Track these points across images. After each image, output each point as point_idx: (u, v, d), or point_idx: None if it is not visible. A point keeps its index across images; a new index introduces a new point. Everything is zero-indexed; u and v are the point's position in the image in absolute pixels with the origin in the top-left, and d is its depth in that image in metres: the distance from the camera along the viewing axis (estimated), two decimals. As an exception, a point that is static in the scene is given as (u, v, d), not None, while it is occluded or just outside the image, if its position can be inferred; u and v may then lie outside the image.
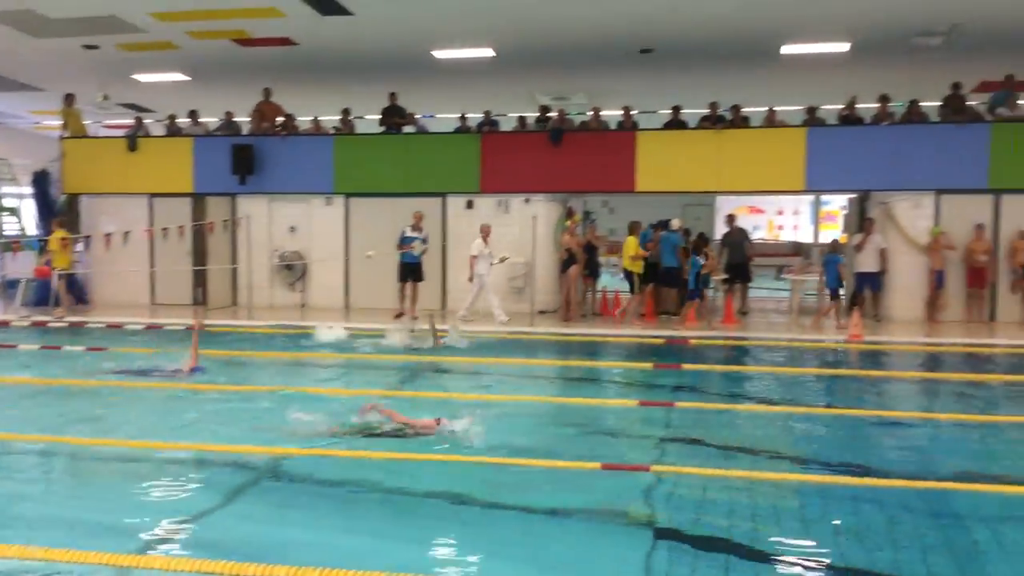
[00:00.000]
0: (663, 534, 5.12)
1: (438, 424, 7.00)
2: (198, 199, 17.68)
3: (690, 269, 14.12)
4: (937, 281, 14.72)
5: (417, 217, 15.18)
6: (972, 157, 14.79)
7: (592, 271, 16.11)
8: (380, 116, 17.53)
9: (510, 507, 5.60)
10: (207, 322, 14.15)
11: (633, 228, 15.00)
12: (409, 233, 15.05)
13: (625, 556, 4.80)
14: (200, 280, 17.58)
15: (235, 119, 18.59)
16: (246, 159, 16.97)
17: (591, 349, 12.55)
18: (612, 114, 17.76)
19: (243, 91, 18.59)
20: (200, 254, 17.49)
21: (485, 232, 14.87)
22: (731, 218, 16.68)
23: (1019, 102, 15.30)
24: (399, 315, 14.95)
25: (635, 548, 4.89)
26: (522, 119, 18.38)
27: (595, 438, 7.36)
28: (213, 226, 17.12)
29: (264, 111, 17.46)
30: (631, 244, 14.77)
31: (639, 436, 7.42)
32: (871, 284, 14.82)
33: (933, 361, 11.56)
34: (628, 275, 14.94)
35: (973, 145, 14.82)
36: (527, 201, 16.33)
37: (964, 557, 4.81)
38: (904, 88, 16.45)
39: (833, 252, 14.44)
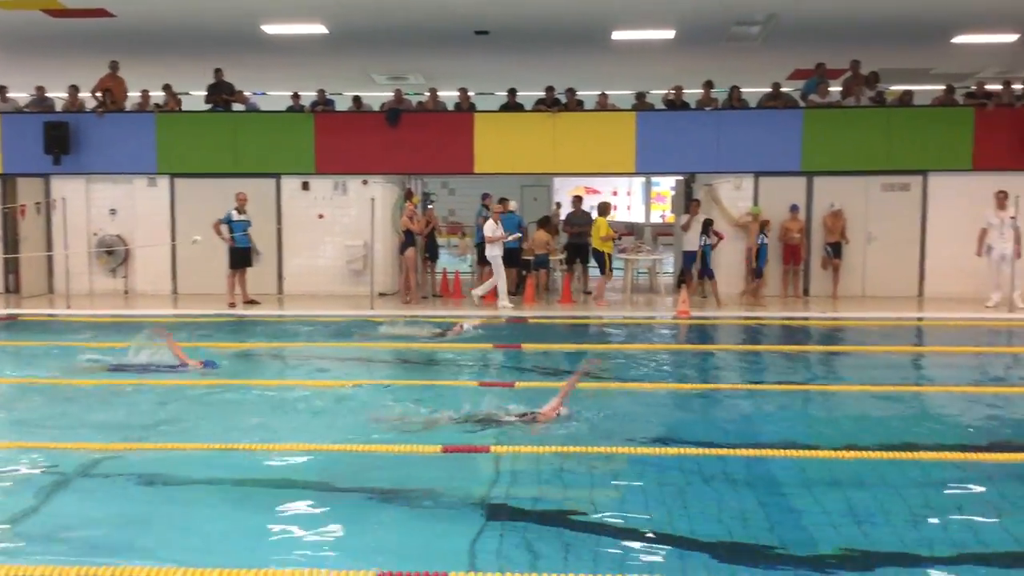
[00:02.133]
0: (500, 513, 5.18)
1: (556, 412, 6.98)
2: (7, 180, 16.38)
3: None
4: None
5: (241, 199, 14.53)
6: (787, 141, 15.71)
7: (431, 253, 16.08)
8: (205, 93, 16.78)
9: (346, 491, 5.55)
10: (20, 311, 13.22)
11: (603, 209, 15.27)
12: (236, 217, 14.40)
13: (459, 536, 4.81)
14: (12, 267, 16.35)
15: (48, 95, 17.32)
16: (60, 137, 15.84)
17: (432, 331, 12.50)
18: (450, 95, 17.74)
19: (57, 65, 17.33)
20: (11, 240, 16.24)
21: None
22: (577, 199, 16.99)
23: (829, 89, 16.34)
24: (232, 305, 14.37)
25: (470, 528, 4.93)
26: (357, 99, 18.05)
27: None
28: (25, 209, 15.92)
29: (111, 87, 16.35)
30: (602, 225, 14.92)
31: (480, 418, 7.46)
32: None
33: (754, 334, 12.25)
34: (598, 255, 15.12)
35: (788, 130, 15.75)
36: (365, 183, 16.09)
37: (789, 520, 5.14)
38: (726, 75, 17.23)
39: (761, 232, 15.07)
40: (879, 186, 15.67)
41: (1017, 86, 16.64)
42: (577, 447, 6.30)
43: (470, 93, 17.34)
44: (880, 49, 16.58)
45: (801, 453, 6.27)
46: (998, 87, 16.49)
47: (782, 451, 6.27)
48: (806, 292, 15.88)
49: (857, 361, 10.47)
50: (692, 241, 15.45)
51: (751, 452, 6.23)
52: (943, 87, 17.05)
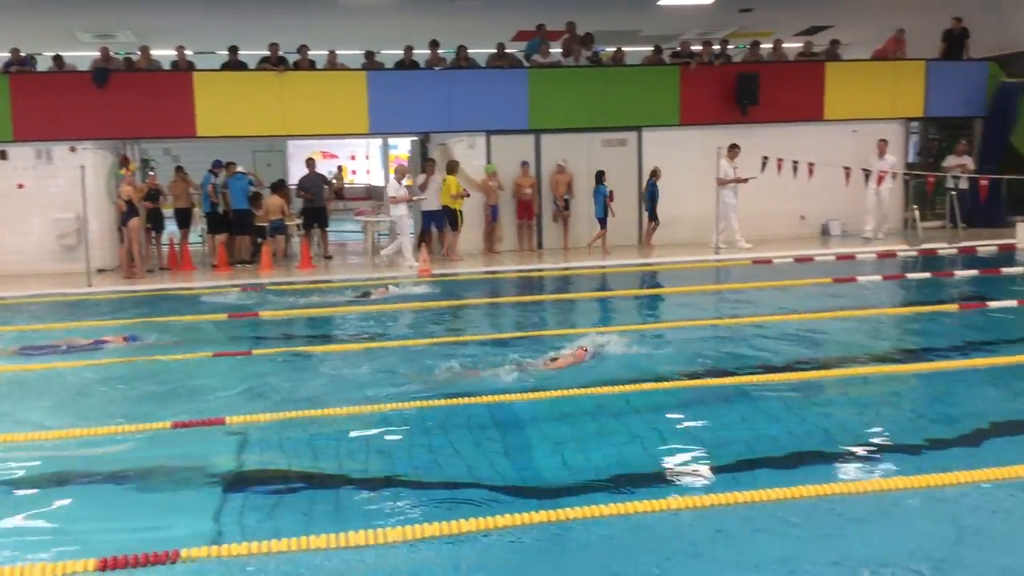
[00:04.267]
0: (241, 484, 5.01)
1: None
2: None
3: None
4: (492, 215, 16.03)
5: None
6: (515, 101, 16.19)
7: (155, 223, 15.08)
8: None
9: (73, 477, 5.16)
10: None
11: (452, 168, 15.22)
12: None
13: (199, 511, 4.60)
14: None
15: None
16: None
17: (158, 305, 11.73)
18: (166, 54, 16.58)
19: None
20: None
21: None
22: (310, 162, 16.53)
23: (550, 50, 16.98)
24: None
25: (209, 502, 4.72)
26: (58, 58, 16.40)
27: (167, 397, 6.93)
28: None
29: None
30: (452, 183, 14.72)
31: (215, 389, 7.13)
32: (436, 221, 15.71)
33: (494, 287, 12.62)
34: (450, 213, 15.05)
35: (515, 90, 16.23)
36: (73, 150, 14.72)
37: (524, 458, 5.36)
38: (453, 35, 17.40)
39: (600, 184, 15.43)
40: (600, 142, 16.58)
41: (716, 46, 18.14)
42: (314, 410, 6.20)
43: (188, 52, 16.32)
44: (594, 11, 17.42)
45: (538, 395, 6.53)
46: (700, 47, 17.90)
47: (520, 395, 6.52)
48: (540, 245, 16.56)
49: (590, 306, 11.10)
50: (430, 201, 15.59)
51: (493, 398, 6.42)
52: (652, 48, 18.25)
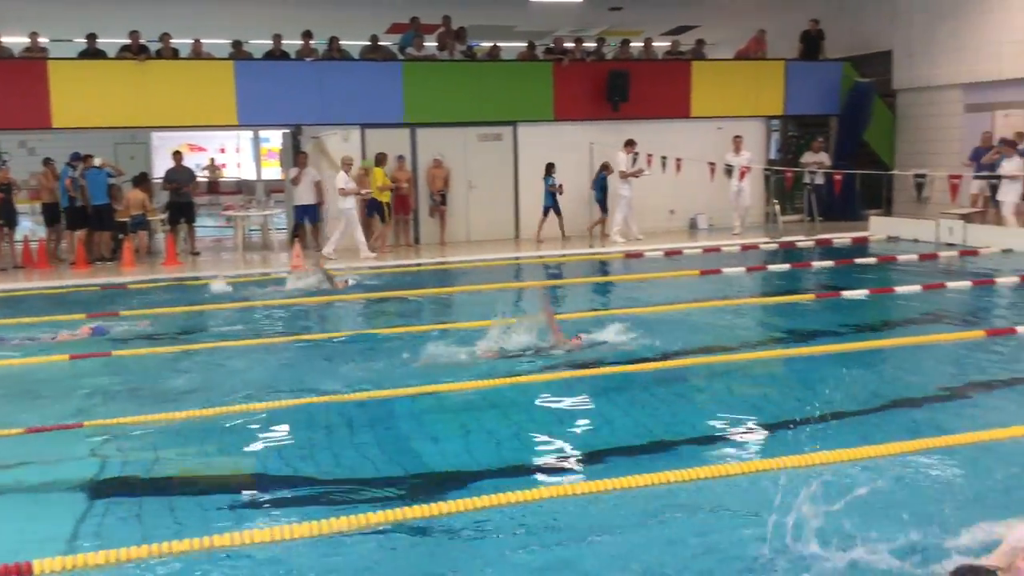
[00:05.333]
0: (102, 490, 4.80)
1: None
2: None
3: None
4: (368, 210, 15.80)
5: None
6: (389, 93, 16.04)
7: (8, 218, 14.23)
8: None
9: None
10: None
11: (380, 159, 15.14)
12: None
13: (55, 520, 4.39)
14: None
15: None
16: None
17: (9, 305, 11.09)
18: (17, 41, 15.65)
19: None
20: None
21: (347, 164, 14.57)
22: (177, 155, 15.92)
23: (424, 43, 16.91)
24: None
25: (66, 511, 4.50)
26: None
27: (19, 401, 6.57)
28: None
29: None
30: (378, 175, 14.70)
31: (72, 393, 6.80)
32: (309, 216, 15.44)
33: (369, 283, 12.48)
34: (377, 205, 15.00)
35: (390, 82, 16.07)
36: (-88, 140, 13.75)
37: (407, 451, 5.34)
38: (325, 26, 17.10)
39: (549, 175, 15.87)
40: (476, 137, 16.62)
41: (592, 44, 18.46)
42: (179, 412, 6.01)
43: (42, 39, 15.46)
44: (468, 6, 17.45)
45: (422, 389, 6.51)
46: (572, 44, 18.17)
47: (402, 390, 6.49)
48: (417, 240, 16.48)
49: (468, 299, 11.13)
50: (303, 195, 15.30)
51: (374, 394, 6.36)
52: (526, 44, 18.42)
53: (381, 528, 4.12)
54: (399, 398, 6.35)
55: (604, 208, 16.44)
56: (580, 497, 4.46)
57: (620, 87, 16.75)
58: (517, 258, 14.79)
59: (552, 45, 18.09)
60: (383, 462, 5.14)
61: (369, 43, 16.82)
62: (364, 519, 4.14)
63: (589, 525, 4.18)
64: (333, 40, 16.48)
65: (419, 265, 14.10)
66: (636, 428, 5.70)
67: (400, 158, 15.95)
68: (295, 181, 15.29)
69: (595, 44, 18.53)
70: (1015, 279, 10.70)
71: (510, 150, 16.84)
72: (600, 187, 16.32)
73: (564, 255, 14.57)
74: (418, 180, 16.29)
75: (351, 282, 11.84)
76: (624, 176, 15.95)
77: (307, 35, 16.21)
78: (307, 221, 15.49)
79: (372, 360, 7.47)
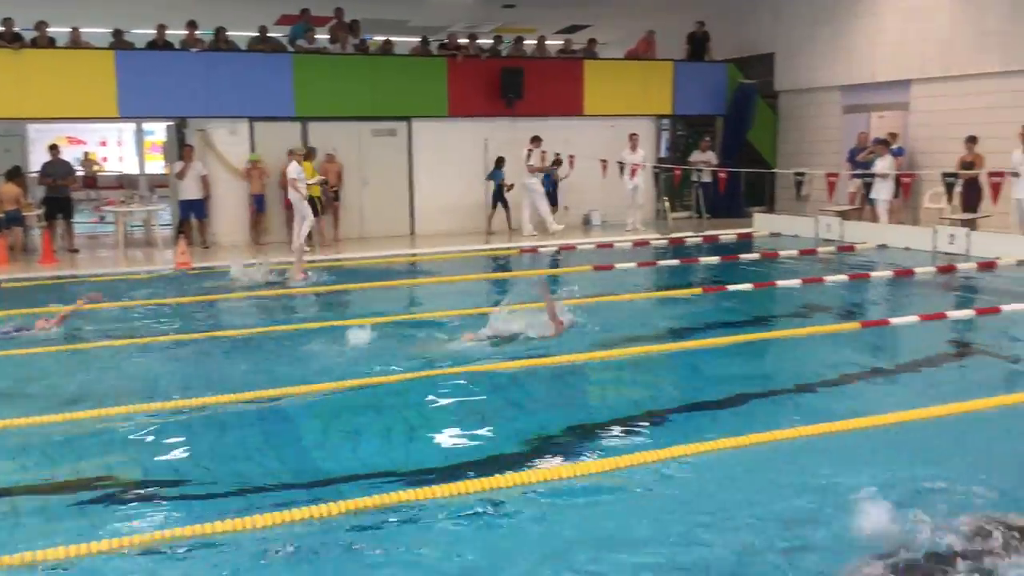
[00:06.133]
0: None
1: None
2: None
3: None
4: (257, 205, 15.48)
5: None
6: (279, 86, 15.70)
7: None
8: None
9: None
10: None
11: (309, 155, 14.84)
12: None
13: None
14: None
15: None
16: None
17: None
18: None
19: None
20: None
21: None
22: (54, 148, 15.17)
23: (315, 36, 16.61)
24: None
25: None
26: None
27: None
28: None
29: None
30: (307, 169, 14.28)
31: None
32: (195, 211, 14.99)
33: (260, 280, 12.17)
34: (308, 200, 14.41)
35: (279, 75, 15.73)
36: None
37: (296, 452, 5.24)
38: (211, 17, 16.60)
39: (498, 168, 16.05)
40: (369, 131, 16.43)
41: (483, 40, 18.50)
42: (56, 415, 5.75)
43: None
44: (362, -1, 17.26)
45: (307, 388, 6.40)
46: (467, 40, 18.17)
47: (295, 388, 6.37)
48: (309, 236, 16.13)
49: (361, 296, 10.99)
50: (189, 190, 14.84)
51: (262, 393, 6.22)
52: (419, 39, 18.31)
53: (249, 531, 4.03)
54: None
55: (554, 200, 16.76)
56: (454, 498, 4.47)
57: (514, 84, 16.84)
58: (414, 255, 14.70)
59: (447, 41, 18.04)
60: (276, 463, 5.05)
61: (258, 34, 16.42)
62: (241, 523, 4.05)
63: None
64: (220, 31, 16.02)
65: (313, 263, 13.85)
66: (529, 424, 5.74)
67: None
68: (180, 175, 14.81)
69: (490, 41, 18.59)
70: (889, 273, 11.25)
71: (405, 146, 16.71)
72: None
73: (462, 251, 14.54)
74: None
75: (310, 275, 11.67)
76: (532, 171, 16.10)
77: (192, 25, 15.70)
78: (193, 216, 15.03)
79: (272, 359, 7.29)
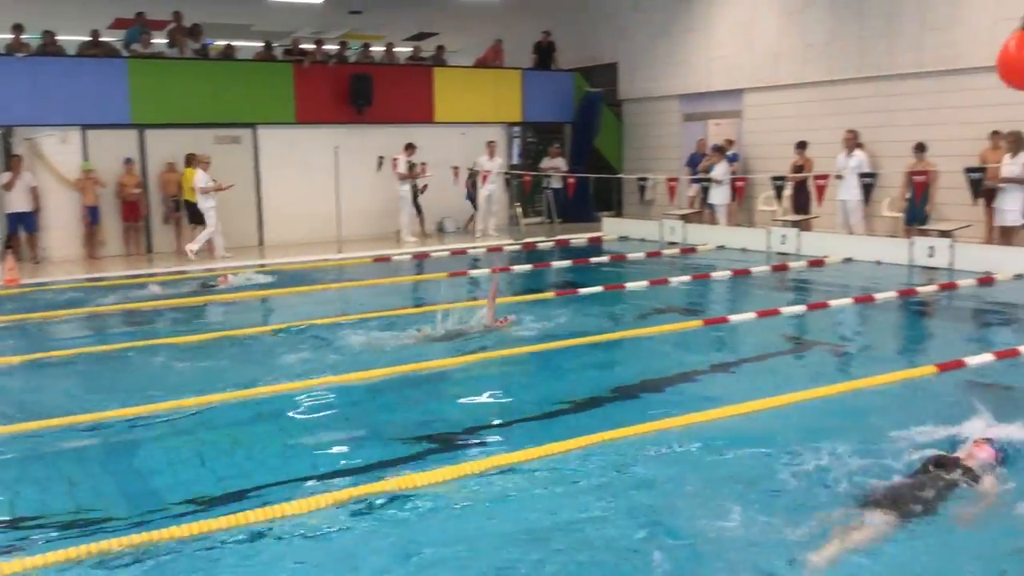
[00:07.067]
0: None
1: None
2: None
3: None
4: (92, 217, 14.71)
5: None
6: (114, 92, 14.98)
7: None
8: None
9: None
10: None
11: (189, 160, 14.78)
12: None
13: None
14: None
15: None
16: None
17: None
18: None
19: None
20: None
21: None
22: None
23: (152, 40, 15.95)
24: None
25: None
26: None
27: None
28: None
29: None
30: (189, 175, 14.47)
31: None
32: (25, 224, 14.11)
33: (97, 295, 11.57)
34: (190, 206, 14.71)
35: (114, 81, 15.01)
36: None
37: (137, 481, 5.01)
38: (38, 20, 15.69)
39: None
40: (212, 139, 15.90)
41: (330, 47, 18.25)
42: None
43: None
44: (202, 2, 16.70)
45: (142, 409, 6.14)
46: (312, 46, 17.88)
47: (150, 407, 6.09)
48: (150, 249, 15.50)
49: (207, 310, 10.62)
50: (17, 202, 13.95)
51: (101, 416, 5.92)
52: (263, 44, 17.89)
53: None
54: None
55: (475, 205, 17.00)
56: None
57: (363, 91, 16.70)
58: (263, 265, 14.31)
59: (291, 46, 17.70)
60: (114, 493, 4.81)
61: (90, 39, 15.61)
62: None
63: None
64: (48, 34, 15.14)
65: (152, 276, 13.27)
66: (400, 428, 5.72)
67: (128, 161, 14.95)
68: (8, 187, 13.90)
69: (337, 47, 18.36)
70: (728, 273, 11.83)
71: (250, 153, 16.28)
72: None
73: (313, 261, 14.27)
74: (149, 185, 15.34)
75: (232, 279, 11.60)
76: (402, 178, 16.06)
77: (18, 28, 14.79)
78: (22, 230, 14.14)
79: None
